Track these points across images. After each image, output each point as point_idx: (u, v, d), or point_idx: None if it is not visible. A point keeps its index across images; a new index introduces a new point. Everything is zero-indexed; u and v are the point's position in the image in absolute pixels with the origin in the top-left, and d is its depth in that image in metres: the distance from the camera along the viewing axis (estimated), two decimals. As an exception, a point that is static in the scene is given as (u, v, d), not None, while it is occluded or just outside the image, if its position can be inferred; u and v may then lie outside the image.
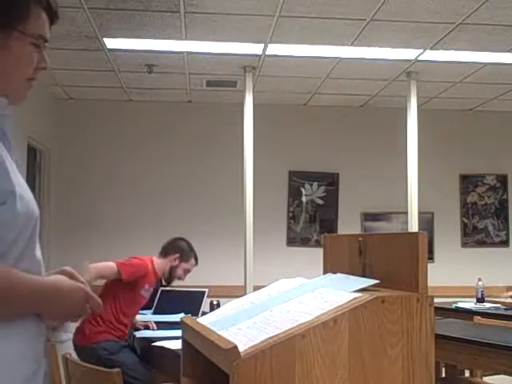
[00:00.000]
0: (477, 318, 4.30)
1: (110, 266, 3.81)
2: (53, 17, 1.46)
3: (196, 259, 4.21)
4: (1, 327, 1.26)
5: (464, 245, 7.29)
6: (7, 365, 1.27)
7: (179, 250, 4.17)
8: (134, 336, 4.09)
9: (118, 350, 3.83)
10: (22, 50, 1.39)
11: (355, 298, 1.36)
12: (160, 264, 4.08)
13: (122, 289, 3.87)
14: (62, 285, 1.36)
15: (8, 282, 1.24)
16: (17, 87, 1.40)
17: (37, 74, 1.45)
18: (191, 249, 4.21)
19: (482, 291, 5.46)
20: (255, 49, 5.22)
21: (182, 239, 4.26)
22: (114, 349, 3.81)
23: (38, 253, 1.39)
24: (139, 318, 4.38)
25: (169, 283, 4.23)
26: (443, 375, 4.43)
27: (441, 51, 5.23)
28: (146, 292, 4.00)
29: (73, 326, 3.46)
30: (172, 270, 4.10)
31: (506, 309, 4.90)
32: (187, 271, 4.16)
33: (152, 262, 4.05)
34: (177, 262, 4.10)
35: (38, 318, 1.36)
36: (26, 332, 1.33)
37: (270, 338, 1.28)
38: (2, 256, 1.26)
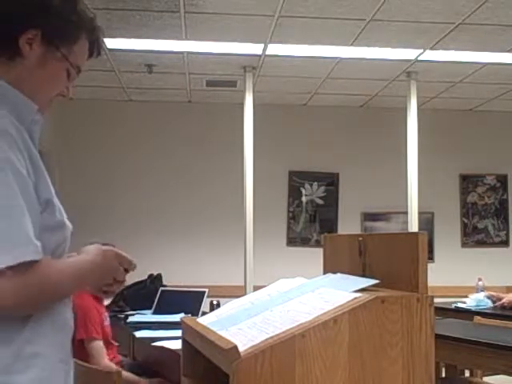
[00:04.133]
0: (477, 318, 4.29)
1: (100, 346, 3.70)
2: (93, 53, 1.48)
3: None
4: (31, 326, 1.29)
5: (464, 245, 7.29)
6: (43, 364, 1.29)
7: None
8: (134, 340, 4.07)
9: None
10: (57, 72, 1.41)
11: (355, 298, 1.36)
12: None
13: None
14: (94, 256, 1.41)
15: (53, 276, 1.29)
16: (40, 103, 1.42)
17: (55, 99, 1.47)
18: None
19: (482, 291, 5.46)
20: (255, 49, 5.22)
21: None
22: None
23: None
24: (139, 318, 4.38)
25: (103, 298, 4.08)
26: (443, 375, 4.43)
27: (441, 51, 5.23)
28: (106, 320, 3.94)
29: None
30: None
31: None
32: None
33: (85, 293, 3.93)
34: None
35: (66, 315, 1.40)
36: (54, 331, 1.35)
37: (270, 337, 1.28)
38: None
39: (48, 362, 1.32)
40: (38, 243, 1.25)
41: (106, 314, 3.99)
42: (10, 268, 1.19)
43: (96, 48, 1.48)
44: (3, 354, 1.25)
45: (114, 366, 3.49)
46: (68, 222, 1.42)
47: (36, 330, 1.30)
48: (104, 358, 3.63)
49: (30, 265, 1.22)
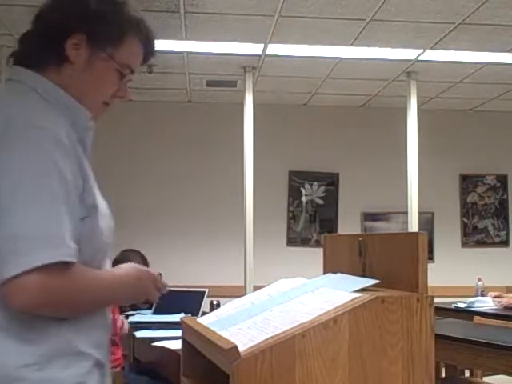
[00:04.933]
0: (477, 318, 4.30)
1: None
2: (148, 54, 1.51)
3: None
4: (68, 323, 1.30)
5: (464, 245, 7.29)
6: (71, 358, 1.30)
7: (113, 263, 4.04)
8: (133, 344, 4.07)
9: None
10: (105, 73, 1.43)
11: (355, 298, 1.36)
12: None
13: None
14: (134, 274, 1.44)
15: (90, 286, 1.31)
16: (91, 107, 1.44)
17: (113, 101, 1.49)
18: (126, 257, 4.01)
19: (482, 291, 5.46)
20: (255, 49, 5.22)
21: (122, 251, 4.12)
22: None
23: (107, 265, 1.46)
24: (139, 318, 4.38)
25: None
26: (443, 375, 4.43)
27: (441, 51, 5.24)
28: (119, 321, 3.94)
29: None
30: None
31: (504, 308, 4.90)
32: None
33: None
34: None
35: (106, 315, 1.43)
36: (95, 330, 1.37)
37: (270, 337, 1.28)
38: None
39: (88, 360, 1.34)
40: (74, 246, 1.26)
41: (118, 315, 3.99)
42: (42, 267, 1.20)
43: (150, 48, 1.51)
44: (44, 350, 1.27)
45: None
46: (112, 224, 1.44)
47: (78, 328, 1.32)
48: None
49: (61, 266, 1.23)
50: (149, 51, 1.52)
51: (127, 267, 1.46)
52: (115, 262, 4.46)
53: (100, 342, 1.39)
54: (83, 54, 1.39)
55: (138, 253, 4.09)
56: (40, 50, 1.40)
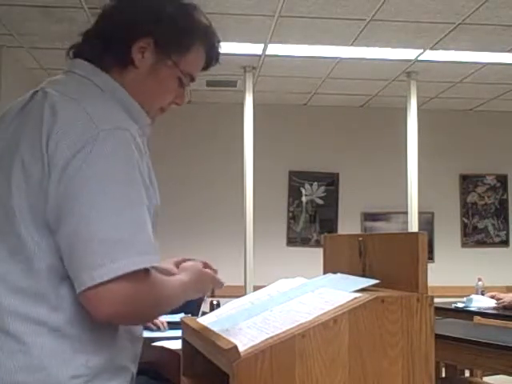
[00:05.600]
0: (477, 318, 4.29)
1: None
2: (211, 61, 1.48)
3: None
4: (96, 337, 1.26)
5: (464, 245, 7.30)
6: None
7: None
8: None
9: None
10: (168, 80, 1.41)
11: (355, 298, 1.36)
12: None
13: None
14: (196, 277, 1.46)
15: (159, 290, 1.29)
16: (150, 112, 1.44)
17: (168, 107, 1.49)
18: None
19: (482, 291, 5.46)
20: (255, 49, 5.22)
21: None
22: None
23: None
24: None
25: None
26: (443, 375, 4.43)
27: (441, 51, 5.24)
28: None
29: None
30: None
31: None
32: None
33: None
34: None
35: (141, 329, 1.40)
36: (131, 344, 1.35)
37: (270, 337, 1.28)
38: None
39: (127, 375, 1.31)
40: (157, 254, 1.24)
41: None
42: (131, 273, 1.16)
43: (214, 55, 1.47)
44: (95, 362, 1.23)
45: None
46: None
47: (123, 343, 1.29)
48: None
49: (146, 273, 1.20)
50: (212, 58, 1.49)
51: (190, 269, 1.46)
52: None
53: (137, 355, 1.37)
54: (149, 59, 1.36)
55: None
56: (105, 50, 1.36)
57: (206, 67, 1.50)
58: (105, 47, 1.36)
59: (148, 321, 1.35)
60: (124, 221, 1.19)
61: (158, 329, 4.07)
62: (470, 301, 5.00)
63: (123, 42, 1.35)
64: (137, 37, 1.35)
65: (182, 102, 1.50)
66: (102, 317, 1.18)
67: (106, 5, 1.40)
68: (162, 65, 1.38)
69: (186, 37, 1.39)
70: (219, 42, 1.48)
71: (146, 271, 1.20)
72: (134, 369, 1.35)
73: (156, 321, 4.15)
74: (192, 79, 1.46)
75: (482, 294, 5.39)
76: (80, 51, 1.39)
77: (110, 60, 1.36)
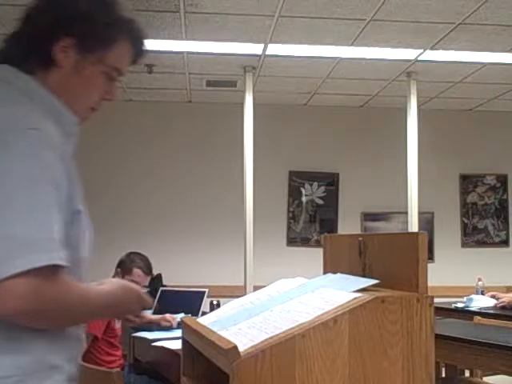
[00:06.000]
0: (477, 318, 4.29)
1: None
2: (138, 55, 1.47)
3: (143, 268, 3.99)
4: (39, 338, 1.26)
5: (464, 245, 7.29)
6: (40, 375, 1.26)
7: (118, 264, 4.07)
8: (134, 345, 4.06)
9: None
10: (93, 77, 1.40)
11: (355, 298, 1.36)
12: None
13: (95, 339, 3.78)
14: (121, 289, 1.41)
15: (82, 303, 1.28)
16: (78, 112, 1.41)
17: (100, 105, 1.46)
18: (132, 260, 4.01)
19: (482, 291, 5.46)
20: (255, 49, 5.22)
21: (128, 253, 4.11)
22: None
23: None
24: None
25: None
26: (443, 375, 4.42)
27: (441, 51, 5.23)
28: (118, 323, 3.93)
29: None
30: None
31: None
32: (133, 283, 3.96)
33: None
34: (119, 278, 3.96)
35: (79, 330, 1.38)
36: (68, 344, 1.33)
37: (270, 337, 1.28)
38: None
39: (62, 374, 1.30)
40: (64, 251, 1.22)
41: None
42: (34, 270, 1.16)
43: (140, 48, 1.47)
44: (22, 362, 1.23)
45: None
46: (91, 237, 1.39)
47: (52, 340, 1.28)
48: None
49: (53, 271, 1.19)
50: (138, 52, 1.48)
51: (113, 284, 1.42)
52: (120, 263, 4.40)
53: (73, 354, 1.35)
54: (72, 58, 1.36)
55: (144, 257, 4.07)
56: (27, 52, 1.36)
57: (134, 61, 1.49)
58: (27, 50, 1.36)
59: (60, 324, 1.30)
60: (27, 219, 1.19)
61: (170, 326, 4.03)
62: (471, 300, 5.00)
63: (45, 43, 1.35)
64: (57, 37, 1.35)
65: (113, 97, 1.47)
66: (3, 313, 1.18)
67: (26, 7, 1.41)
68: (85, 62, 1.38)
69: (107, 32, 1.39)
70: (145, 35, 1.49)
71: (53, 270, 1.19)
72: (71, 367, 1.33)
73: (167, 315, 4.13)
74: (120, 73, 1.45)
75: (482, 294, 5.39)
76: (4, 56, 1.40)
77: (34, 62, 1.36)
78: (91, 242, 1.39)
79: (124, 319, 1.49)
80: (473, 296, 5.10)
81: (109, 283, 1.42)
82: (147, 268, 4.02)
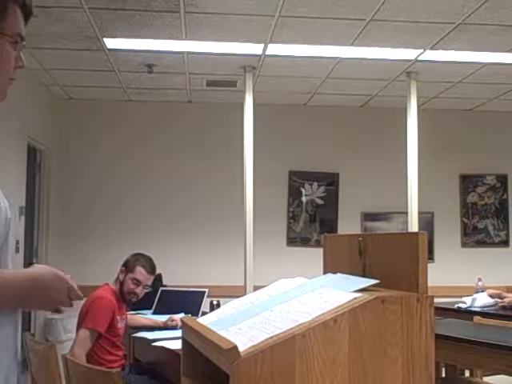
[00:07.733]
0: (477, 318, 4.29)
1: (82, 336, 3.69)
2: (27, 14, 1.44)
3: (146, 267, 4.00)
4: None
5: (464, 245, 7.29)
6: None
7: (124, 263, 4.09)
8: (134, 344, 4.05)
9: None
10: (2, 50, 1.37)
11: (355, 298, 1.36)
12: (115, 285, 4.00)
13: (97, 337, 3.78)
14: (41, 275, 1.30)
15: None
16: (1, 87, 1.38)
17: (14, 74, 1.42)
18: (137, 259, 4.02)
19: (482, 291, 5.45)
20: (255, 49, 5.22)
21: (134, 254, 4.14)
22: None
23: (10, 264, 1.33)
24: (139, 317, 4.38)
25: (129, 304, 4.08)
26: (443, 375, 4.42)
27: (441, 51, 5.23)
28: (121, 322, 3.93)
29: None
30: (122, 285, 3.99)
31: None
32: (135, 281, 4.00)
33: (109, 288, 3.95)
34: (123, 276, 3.98)
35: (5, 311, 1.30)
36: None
37: (270, 337, 1.28)
38: None
39: None
40: None
41: (124, 317, 3.99)
42: None
43: (27, 8, 1.43)
44: None
45: (79, 360, 3.46)
46: (6, 215, 1.31)
47: None
48: (79, 347, 3.61)
49: None
50: (28, 11, 1.44)
51: (38, 270, 1.32)
52: (125, 262, 4.40)
53: (7, 341, 1.29)
54: None
55: (148, 258, 4.09)
56: None
57: (26, 18, 1.45)
58: None
59: None
60: None
61: (176, 326, 4.03)
62: (474, 301, 4.99)
63: None
64: None
65: (24, 65, 1.44)
66: None
67: None
68: None
69: None
70: None
71: None
72: (3, 357, 1.27)
73: (173, 316, 4.14)
74: (22, 38, 1.42)
75: (482, 294, 5.39)
76: None
77: None
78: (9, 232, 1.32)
79: (52, 309, 1.35)
80: (475, 296, 5.09)
81: (36, 267, 1.33)
82: (150, 268, 4.05)
